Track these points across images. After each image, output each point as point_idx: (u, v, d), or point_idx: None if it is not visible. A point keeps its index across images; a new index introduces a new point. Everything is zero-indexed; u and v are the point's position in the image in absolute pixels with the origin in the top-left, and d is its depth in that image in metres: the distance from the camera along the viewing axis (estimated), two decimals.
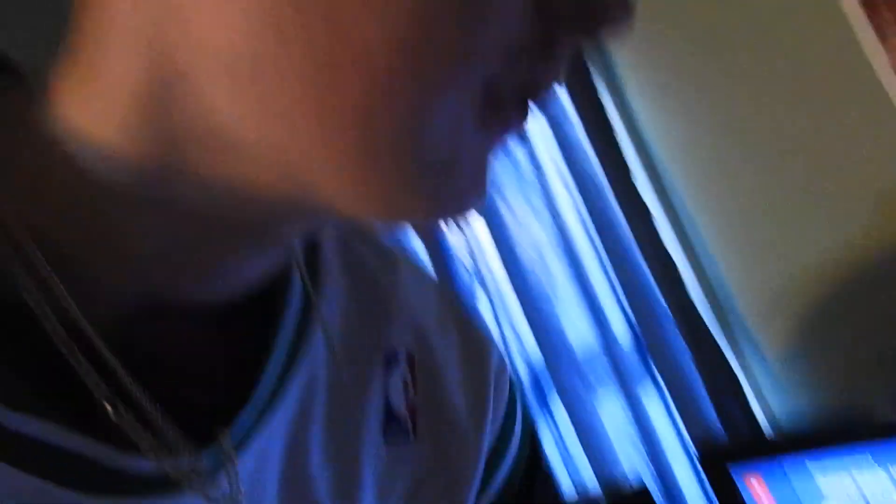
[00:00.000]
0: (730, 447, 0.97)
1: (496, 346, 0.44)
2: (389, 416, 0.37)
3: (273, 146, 0.23)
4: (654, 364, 1.13)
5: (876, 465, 0.79)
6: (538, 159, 1.23)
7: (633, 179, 1.09)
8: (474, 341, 0.42)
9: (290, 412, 0.33)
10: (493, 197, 1.30)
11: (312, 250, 0.36)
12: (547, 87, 0.25)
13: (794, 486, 0.88)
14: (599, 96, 1.12)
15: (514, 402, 0.45)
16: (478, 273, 1.41)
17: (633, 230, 1.10)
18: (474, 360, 0.41)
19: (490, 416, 0.41)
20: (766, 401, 1.05)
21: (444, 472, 0.39)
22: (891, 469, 0.78)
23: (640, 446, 1.17)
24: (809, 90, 0.94)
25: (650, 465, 1.16)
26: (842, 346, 0.97)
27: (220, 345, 0.31)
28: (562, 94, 1.15)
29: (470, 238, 1.43)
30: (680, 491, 1.11)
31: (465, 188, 0.25)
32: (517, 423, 0.44)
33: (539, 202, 1.25)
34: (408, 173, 0.23)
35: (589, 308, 1.20)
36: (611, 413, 1.21)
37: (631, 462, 1.19)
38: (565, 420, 1.26)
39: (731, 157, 1.04)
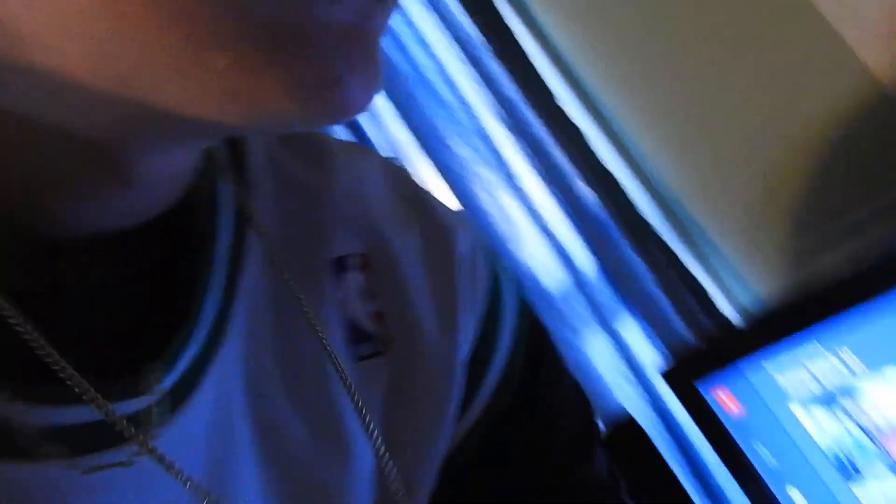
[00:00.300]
0: (690, 363, 0.90)
1: (466, 233, 0.39)
2: (354, 329, 0.34)
3: (92, 52, 0.19)
4: (622, 290, 1.07)
5: (825, 351, 0.72)
6: (466, 101, 1.18)
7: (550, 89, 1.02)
8: (436, 230, 0.38)
9: (238, 344, 0.30)
10: (440, 140, 1.25)
11: (238, 161, 0.33)
12: None
13: (759, 391, 0.81)
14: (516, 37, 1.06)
15: (499, 296, 0.39)
16: None
17: (562, 147, 1.03)
18: (437, 251, 0.37)
19: (461, 314, 0.37)
20: (733, 297, 0.98)
21: (416, 386, 0.35)
22: (839, 352, 0.71)
23: (629, 377, 1.11)
24: None
25: (644, 394, 1.10)
26: (791, 214, 0.89)
27: (147, 274, 0.29)
28: (476, 35, 1.09)
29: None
30: (672, 416, 1.05)
31: (340, 72, 0.21)
32: (504, 319, 0.39)
33: (478, 143, 1.19)
34: (254, 55, 0.19)
35: (551, 244, 1.15)
36: (595, 348, 1.16)
37: (624, 394, 1.13)
38: None
39: (643, 37, 0.96)
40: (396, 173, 0.41)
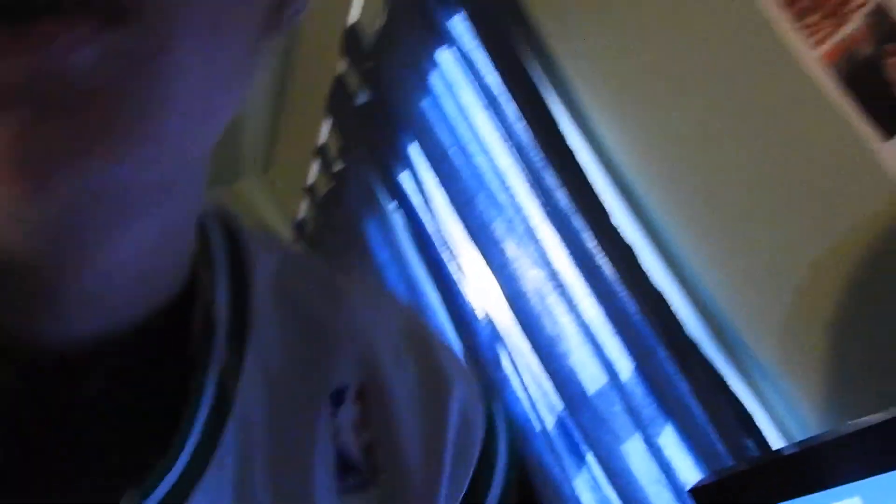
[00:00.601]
0: (723, 485, 0.91)
1: (464, 387, 0.40)
2: (343, 460, 0.35)
3: None
4: (661, 400, 1.09)
5: None
6: (521, 205, 1.23)
7: (600, 197, 1.07)
8: (435, 378, 0.39)
9: (228, 469, 0.31)
10: (497, 246, 1.31)
11: (243, 290, 0.35)
12: None
13: None
14: (572, 148, 1.12)
15: (492, 452, 0.41)
16: (492, 326, 1.41)
17: (611, 260, 1.07)
18: (432, 399, 0.38)
19: (447, 468, 0.38)
20: (782, 423, 0.99)
21: None
22: None
23: (666, 486, 1.12)
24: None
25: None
26: (847, 349, 0.91)
27: (135, 391, 0.30)
28: (535, 146, 1.15)
29: (478, 286, 1.43)
30: None
31: None
32: (495, 474, 0.41)
33: (529, 247, 1.24)
34: None
35: (594, 349, 1.18)
36: (635, 454, 1.18)
37: (659, 501, 1.14)
38: (596, 466, 1.23)
39: (702, 163, 1.01)
40: (408, 316, 0.42)
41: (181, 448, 0.29)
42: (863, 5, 0.78)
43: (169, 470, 0.29)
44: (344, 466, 0.34)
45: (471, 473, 0.39)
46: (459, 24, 1.26)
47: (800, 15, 0.82)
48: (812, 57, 0.83)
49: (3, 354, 0.27)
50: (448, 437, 0.38)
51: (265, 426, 0.33)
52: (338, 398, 0.35)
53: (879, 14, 0.77)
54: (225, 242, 0.37)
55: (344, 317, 0.38)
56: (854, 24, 0.79)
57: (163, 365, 0.31)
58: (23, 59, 0.18)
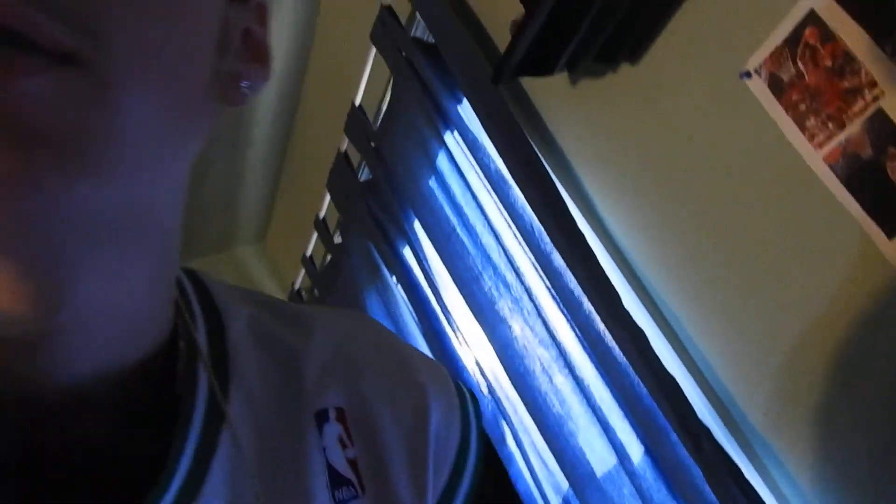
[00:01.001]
0: None
1: (441, 399, 0.43)
2: (334, 474, 0.37)
3: None
4: (673, 486, 1.09)
5: None
6: (530, 287, 1.25)
7: (608, 279, 1.09)
8: (413, 394, 0.42)
9: (219, 497, 0.33)
10: (503, 324, 1.32)
11: (219, 332, 0.37)
12: None
13: None
14: (576, 224, 1.14)
15: (465, 452, 0.44)
16: (496, 402, 1.42)
17: (621, 343, 1.09)
18: (413, 417, 0.41)
19: (430, 477, 0.40)
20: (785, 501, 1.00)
21: None
22: None
23: None
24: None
25: None
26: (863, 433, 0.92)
27: (120, 432, 0.31)
28: (543, 230, 1.18)
29: (482, 361, 1.44)
30: None
31: None
32: (466, 473, 0.43)
33: (536, 323, 1.26)
34: None
35: (603, 431, 1.18)
36: None
37: None
38: None
39: (700, 250, 1.03)
40: (378, 331, 0.45)
41: (167, 488, 0.31)
42: (863, 110, 0.82)
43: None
44: (336, 480, 0.37)
45: (446, 477, 0.42)
46: (465, 110, 1.30)
47: (800, 117, 0.86)
48: (815, 156, 0.86)
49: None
50: (430, 451, 0.41)
51: (256, 453, 0.35)
52: (321, 418, 0.38)
53: (880, 119, 0.81)
54: (197, 293, 0.39)
55: (315, 343, 0.41)
56: (854, 127, 0.83)
57: (151, 407, 0.32)
58: None
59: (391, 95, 1.47)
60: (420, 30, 1.37)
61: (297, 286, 2.18)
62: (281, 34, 1.73)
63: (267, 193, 2.28)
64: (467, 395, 0.46)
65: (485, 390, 1.47)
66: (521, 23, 1.02)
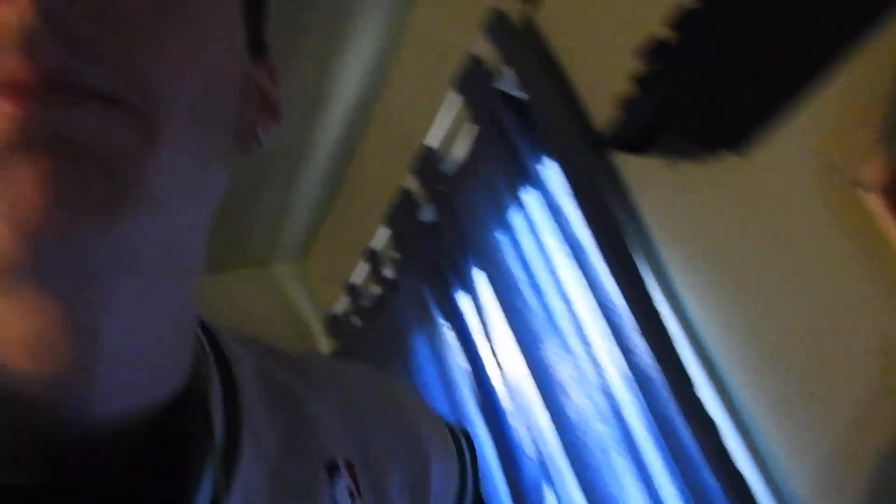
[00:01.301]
0: None
1: (441, 449, 0.44)
2: None
3: None
4: None
5: None
6: (596, 356, 1.23)
7: (690, 379, 1.07)
8: (416, 447, 0.43)
9: None
10: (561, 391, 1.30)
11: (230, 382, 0.38)
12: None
13: None
14: (654, 301, 1.12)
15: (464, 487, 0.46)
16: (543, 463, 1.39)
17: (693, 431, 1.06)
18: (416, 469, 0.42)
19: None
20: None
21: None
22: None
23: None
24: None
25: None
26: None
27: (144, 483, 0.31)
28: (622, 305, 1.15)
29: (533, 428, 1.41)
30: None
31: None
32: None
33: (599, 396, 1.23)
34: None
35: None
36: None
37: None
38: None
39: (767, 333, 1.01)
40: (378, 381, 0.46)
41: None
42: None
43: None
44: None
45: None
46: (548, 169, 1.29)
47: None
48: None
49: (17, 438, 0.29)
50: (432, 500, 0.42)
51: (268, 500, 0.35)
52: (331, 468, 0.38)
53: None
54: (207, 339, 0.40)
55: (322, 394, 0.42)
56: None
57: (166, 448, 0.33)
58: (45, 115, 0.23)
59: (472, 144, 1.45)
60: (505, 82, 1.35)
61: (336, 312, 2.16)
62: (356, 62, 1.73)
63: (315, 215, 2.26)
64: (463, 441, 0.47)
65: (531, 452, 1.44)
66: (631, 101, 1.00)
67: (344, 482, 0.39)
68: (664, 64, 0.93)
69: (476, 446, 0.48)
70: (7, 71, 0.23)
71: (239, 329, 0.44)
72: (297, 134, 1.90)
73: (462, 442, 0.47)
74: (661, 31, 0.95)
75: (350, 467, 0.39)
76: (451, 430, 0.47)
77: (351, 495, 0.39)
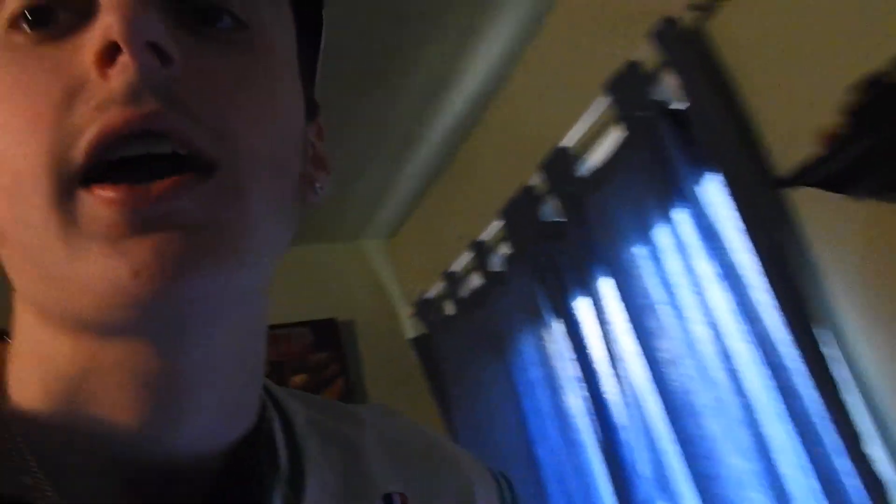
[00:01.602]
0: None
1: (485, 488, 0.46)
2: None
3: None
4: None
5: None
6: (744, 389, 1.18)
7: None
8: (461, 486, 0.45)
9: None
10: (692, 412, 1.26)
11: (288, 426, 0.41)
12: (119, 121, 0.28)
13: None
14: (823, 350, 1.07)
15: None
16: (664, 488, 1.36)
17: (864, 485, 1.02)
18: (462, 500, 0.44)
19: None
20: None
21: None
22: None
23: None
24: None
25: None
26: None
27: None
28: (784, 342, 1.10)
29: (654, 449, 1.38)
30: None
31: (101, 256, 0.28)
32: None
33: (740, 429, 1.19)
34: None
35: None
36: None
37: None
38: None
39: None
40: (414, 424, 0.49)
41: None
42: None
43: None
44: None
45: None
46: (706, 187, 1.23)
47: None
48: None
49: (109, 468, 0.33)
50: None
51: None
52: (388, 501, 0.40)
53: None
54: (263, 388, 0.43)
55: (370, 434, 0.44)
56: None
57: (238, 483, 0.36)
58: (144, 206, 0.28)
59: (616, 150, 1.40)
60: (663, 91, 1.29)
61: (427, 296, 2.13)
62: (486, 55, 1.67)
63: (413, 197, 2.23)
64: (504, 485, 0.48)
65: (645, 471, 1.41)
66: (839, 137, 0.94)
67: None
68: (890, 104, 0.86)
69: (515, 491, 0.49)
70: (111, 118, 0.28)
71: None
72: (413, 119, 1.86)
73: (503, 483, 0.48)
74: (884, 68, 0.89)
75: (404, 500, 0.41)
76: (492, 472, 0.48)
77: None
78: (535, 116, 1.67)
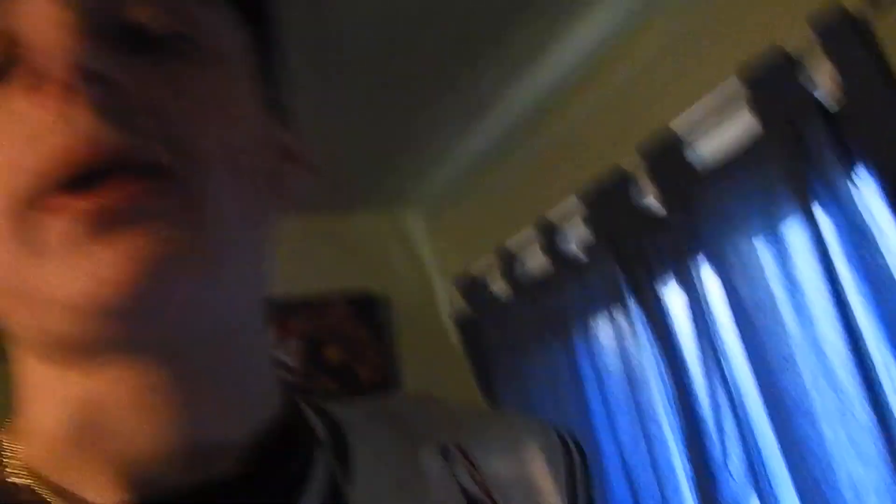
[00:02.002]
0: None
1: (541, 438, 0.45)
2: (469, 498, 0.40)
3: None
4: None
5: None
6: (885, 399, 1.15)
7: None
8: (515, 437, 0.44)
9: None
10: (810, 418, 1.22)
11: (329, 415, 0.42)
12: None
13: None
14: None
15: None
16: (759, 490, 1.33)
17: None
18: (523, 462, 0.43)
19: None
20: None
21: None
22: None
23: None
24: None
25: None
26: None
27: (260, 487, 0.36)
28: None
29: (753, 450, 1.34)
30: None
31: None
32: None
33: (863, 438, 1.15)
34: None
35: None
36: None
37: None
38: None
39: None
40: (473, 404, 0.50)
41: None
42: None
43: None
44: (471, 501, 0.39)
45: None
46: (857, 189, 1.18)
47: None
48: None
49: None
50: (540, 484, 0.42)
51: (387, 492, 0.38)
52: (445, 453, 0.41)
53: None
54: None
55: (420, 407, 0.45)
56: None
57: (282, 447, 0.37)
58: (105, 211, 0.29)
59: (746, 141, 1.34)
60: (812, 83, 1.24)
61: (476, 274, 2.05)
62: (589, 27, 1.59)
63: (469, 169, 2.14)
64: (572, 446, 0.47)
65: (737, 472, 1.37)
66: None
67: (459, 459, 0.41)
68: None
69: (585, 454, 0.46)
70: (73, 155, 0.29)
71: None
72: (495, 86, 1.77)
73: (570, 444, 0.46)
74: None
75: (461, 450, 0.41)
76: (558, 433, 0.47)
77: (469, 471, 0.41)
78: (642, 93, 1.60)
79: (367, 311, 2.14)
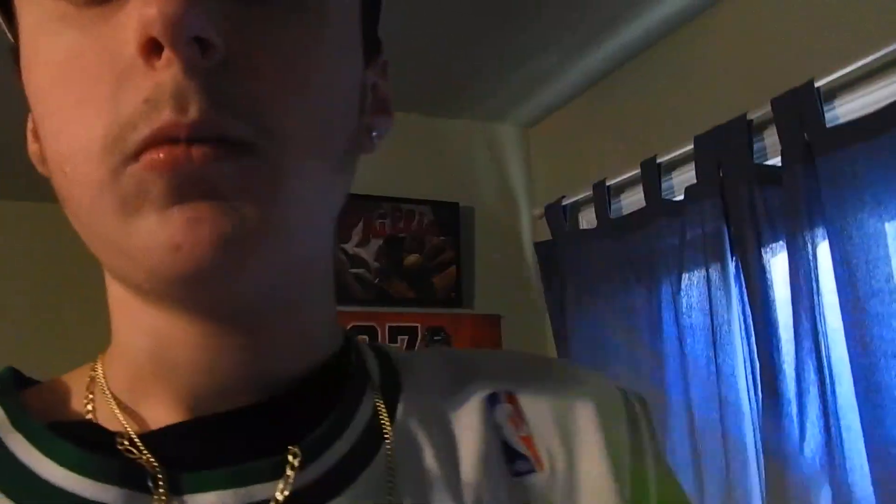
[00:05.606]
0: None
1: (597, 390, 0.44)
2: (508, 449, 0.40)
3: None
4: None
5: None
6: None
7: None
8: (579, 394, 0.43)
9: (374, 486, 0.36)
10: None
11: (383, 354, 0.44)
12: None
13: None
14: None
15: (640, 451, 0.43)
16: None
17: None
18: (580, 410, 0.42)
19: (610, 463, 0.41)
20: None
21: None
22: None
23: None
24: None
25: None
26: None
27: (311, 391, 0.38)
28: None
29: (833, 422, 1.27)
30: None
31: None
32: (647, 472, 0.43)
33: None
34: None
35: None
36: None
37: None
38: None
39: None
40: (533, 354, 0.49)
41: (343, 425, 0.38)
42: None
43: (333, 438, 0.37)
44: (510, 455, 0.39)
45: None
46: None
47: None
48: None
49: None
50: (594, 437, 0.41)
51: (428, 430, 0.39)
52: (492, 400, 0.41)
53: None
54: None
55: (480, 354, 0.46)
56: None
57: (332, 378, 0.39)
58: (188, 168, 0.29)
59: None
60: None
61: (566, 202, 1.98)
62: None
63: (577, 90, 2.02)
64: (637, 406, 0.45)
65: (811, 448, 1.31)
66: None
67: (505, 408, 0.41)
68: None
69: (650, 415, 0.45)
70: (161, 122, 0.29)
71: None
72: (617, 7, 1.64)
73: (628, 394, 0.45)
74: None
75: (512, 398, 0.41)
76: (623, 392, 0.46)
77: (513, 422, 0.40)
78: (782, 40, 1.46)
79: (452, 221, 2.09)
